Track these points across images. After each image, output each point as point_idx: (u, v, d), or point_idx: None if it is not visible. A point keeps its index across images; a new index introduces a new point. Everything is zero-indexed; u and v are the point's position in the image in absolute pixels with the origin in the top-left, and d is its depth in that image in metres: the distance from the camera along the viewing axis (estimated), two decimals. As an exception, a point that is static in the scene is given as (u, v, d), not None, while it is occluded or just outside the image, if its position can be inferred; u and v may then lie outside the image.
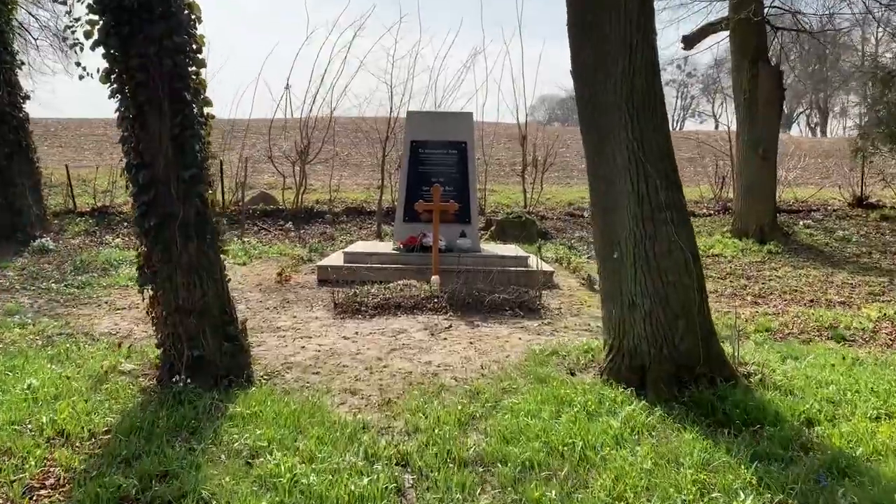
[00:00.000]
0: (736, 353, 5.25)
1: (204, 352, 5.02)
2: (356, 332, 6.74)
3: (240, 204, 14.51)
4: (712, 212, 15.35)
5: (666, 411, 4.46)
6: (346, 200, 15.78)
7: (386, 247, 10.12)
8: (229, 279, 5.47)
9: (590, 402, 4.58)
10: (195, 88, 5.19)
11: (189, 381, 4.84)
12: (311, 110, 14.25)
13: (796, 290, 9.30)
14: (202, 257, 5.11)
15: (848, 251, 12.58)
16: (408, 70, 21.12)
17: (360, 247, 10.22)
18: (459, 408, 4.55)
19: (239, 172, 13.52)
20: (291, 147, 14.40)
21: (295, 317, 7.48)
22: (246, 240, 13.14)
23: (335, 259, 9.49)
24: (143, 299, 5.27)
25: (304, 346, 6.23)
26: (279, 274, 9.16)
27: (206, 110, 5.32)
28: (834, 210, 15.35)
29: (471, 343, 6.33)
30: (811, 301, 8.63)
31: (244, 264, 10.96)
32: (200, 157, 5.16)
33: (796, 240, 13.31)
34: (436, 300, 7.71)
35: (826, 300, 8.68)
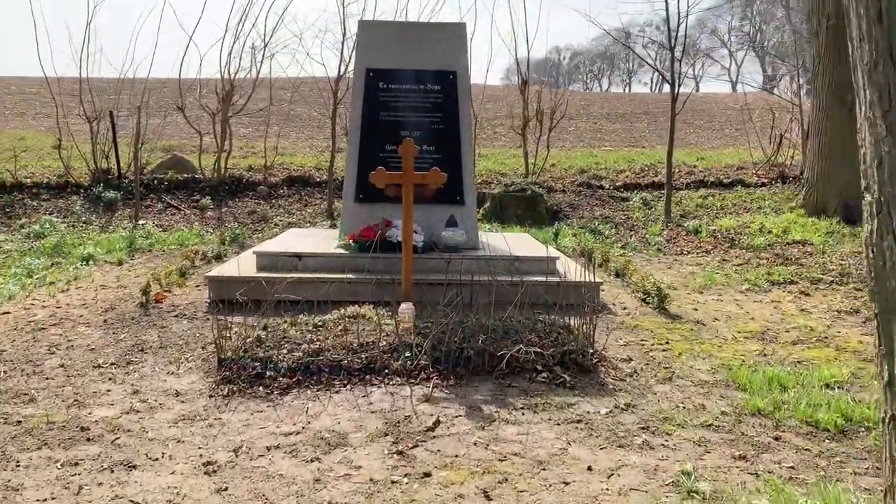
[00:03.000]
0: None
1: None
2: (238, 449, 3.18)
3: (143, 171, 10.71)
4: (766, 180, 11.93)
5: None
6: (290, 167, 12.03)
7: (329, 240, 6.49)
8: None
9: None
10: None
11: None
12: (234, 40, 10.38)
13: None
14: None
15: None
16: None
17: (284, 241, 6.56)
18: None
19: (135, 128, 9.68)
20: (211, 94, 10.57)
21: (137, 391, 3.89)
22: (143, 222, 9.41)
23: (240, 264, 5.86)
24: None
25: (94, 514, 2.65)
26: (144, 291, 5.49)
27: None
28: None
29: (484, 493, 2.80)
30: None
31: (119, 263, 7.27)
32: None
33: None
34: (408, 354, 4.16)
35: None
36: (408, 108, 6.15)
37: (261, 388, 3.89)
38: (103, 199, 9.98)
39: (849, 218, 9.60)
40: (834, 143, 9.90)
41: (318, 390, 3.86)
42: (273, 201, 10.40)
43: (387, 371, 4.03)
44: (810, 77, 10.38)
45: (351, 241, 5.81)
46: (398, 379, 3.98)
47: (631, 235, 9.21)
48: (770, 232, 9.03)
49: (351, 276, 5.53)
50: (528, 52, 12.99)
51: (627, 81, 75.47)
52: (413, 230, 5.34)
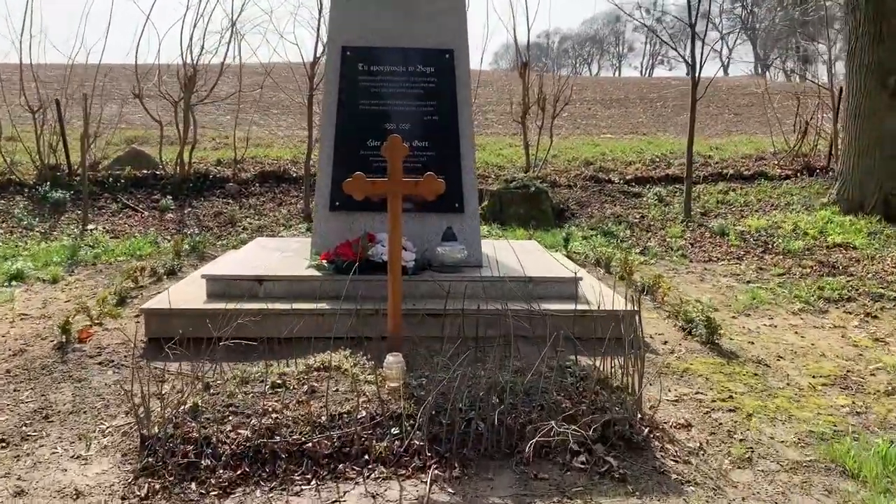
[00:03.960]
0: None
1: None
2: None
3: (97, 167, 9.52)
4: (790, 172, 10.88)
5: None
6: (264, 160, 10.85)
7: (301, 255, 5.38)
8: None
9: None
10: None
11: None
12: (197, 18, 9.19)
13: None
14: None
15: None
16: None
17: (245, 258, 5.42)
18: None
19: (84, 119, 8.47)
20: (173, 79, 9.37)
21: (22, 491, 2.80)
22: (94, 227, 8.24)
23: (185, 292, 4.74)
24: None
25: None
26: (64, 328, 4.36)
27: None
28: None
29: None
30: None
31: (54, 281, 6.13)
32: None
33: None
34: (395, 430, 3.07)
35: None
36: (394, 96, 5.02)
37: (193, 485, 2.80)
38: (49, 200, 8.80)
39: (890, 215, 8.61)
40: (872, 131, 8.88)
41: (270, 490, 2.77)
42: (243, 200, 9.25)
43: (367, 457, 2.95)
44: (847, 57, 9.30)
45: (324, 261, 4.70)
46: (383, 469, 2.90)
47: (649, 238, 8.14)
48: (806, 234, 7.99)
49: (324, 305, 4.43)
50: (529, 30, 11.96)
51: (617, 66, 74.39)
52: (402, 248, 4.25)
